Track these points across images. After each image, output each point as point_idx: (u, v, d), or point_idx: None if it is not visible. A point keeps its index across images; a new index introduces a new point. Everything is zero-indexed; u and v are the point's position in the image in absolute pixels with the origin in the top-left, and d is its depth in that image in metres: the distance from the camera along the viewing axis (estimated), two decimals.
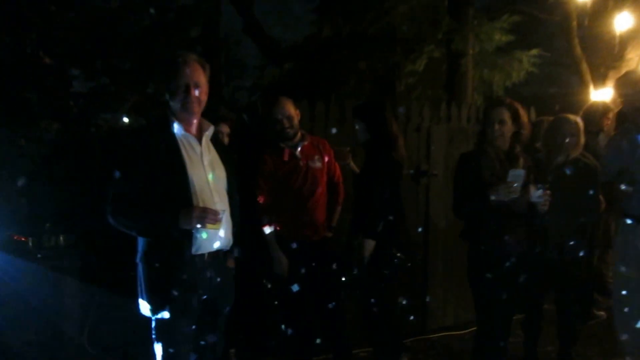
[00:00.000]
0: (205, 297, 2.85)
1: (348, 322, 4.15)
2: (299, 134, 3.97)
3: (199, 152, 2.85)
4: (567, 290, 4.17)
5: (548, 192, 3.47)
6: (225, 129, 4.12)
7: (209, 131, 2.93)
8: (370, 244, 3.81)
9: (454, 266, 5.19)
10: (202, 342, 2.91)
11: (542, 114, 5.35)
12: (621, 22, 6.98)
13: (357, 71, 9.29)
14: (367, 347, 4.45)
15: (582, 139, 4.12)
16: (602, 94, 7.33)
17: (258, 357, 4.33)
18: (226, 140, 4.13)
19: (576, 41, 8.32)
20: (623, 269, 3.85)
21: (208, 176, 2.83)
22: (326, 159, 4.07)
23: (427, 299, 5.22)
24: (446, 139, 5.26)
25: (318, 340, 4.19)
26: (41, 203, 4.68)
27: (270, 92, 10.13)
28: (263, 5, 11.25)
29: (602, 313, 5.26)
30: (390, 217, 3.88)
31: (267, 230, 3.87)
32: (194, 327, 2.84)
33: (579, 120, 4.15)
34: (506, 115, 3.55)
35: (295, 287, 3.87)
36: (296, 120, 3.94)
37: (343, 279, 4.07)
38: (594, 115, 5.22)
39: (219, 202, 2.84)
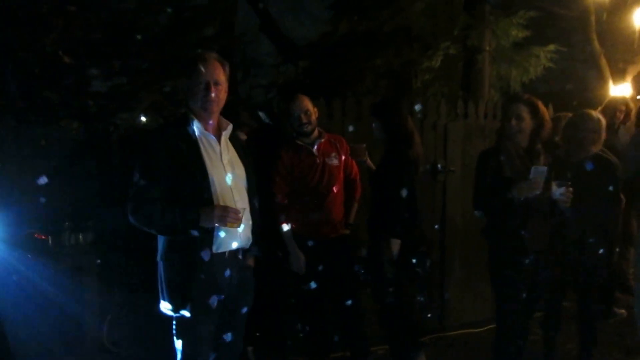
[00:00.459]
0: (225, 295, 2.86)
1: (365, 319, 4.16)
2: (317, 132, 3.98)
3: (218, 151, 2.86)
4: (588, 287, 4.13)
5: (570, 189, 3.45)
6: (242, 136, 4.13)
7: (228, 130, 2.93)
8: (396, 244, 3.81)
9: (471, 263, 5.17)
10: (221, 340, 2.93)
11: (559, 110, 5.31)
12: None
13: (373, 68, 9.27)
14: (385, 344, 4.45)
15: (603, 135, 4.08)
16: (621, 90, 7.26)
17: (276, 355, 4.34)
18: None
19: (594, 36, 8.25)
20: None
21: (228, 175, 2.84)
22: (343, 156, 4.08)
23: (445, 296, 5.20)
24: (463, 136, 5.23)
25: (336, 338, 4.21)
26: (61, 202, 4.72)
27: (287, 90, 10.14)
28: (279, 4, 11.23)
29: (622, 311, 5.22)
30: (407, 215, 3.88)
31: (285, 227, 3.88)
32: (214, 325, 2.85)
33: (600, 116, 4.10)
34: (524, 111, 3.53)
35: (312, 285, 3.88)
36: (314, 116, 3.95)
37: (361, 277, 4.07)
38: (613, 111, 5.18)
39: (239, 200, 2.85)
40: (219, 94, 2.83)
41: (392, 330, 4.07)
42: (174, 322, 2.83)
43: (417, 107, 5.02)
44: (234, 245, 2.85)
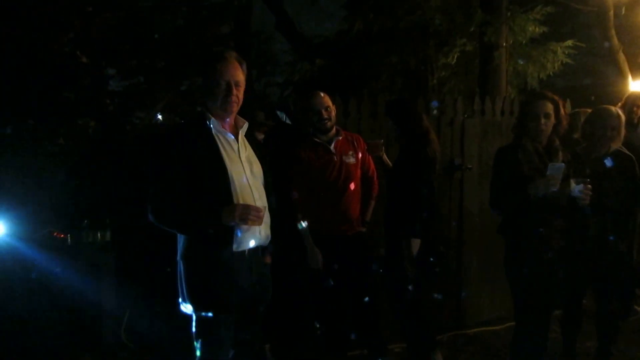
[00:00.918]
0: (244, 293, 2.85)
1: (382, 317, 4.15)
2: (334, 129, 3.98)
3: (236, 149, 2.86)
4: (607, 285, 4.09)
5: (589, 186, 3.42)
6: (259, 135, 4.14)
7: (244, 128, 2.93)
8: (416, 243, 3.79)
9: (489, 260, 5.14)
10: (240, 338, 2.92)
11: (577, 106, 5.26)
12: None
13: (389, 66, 9.24)
14: (402, 342, 4.44)
15: (623, 131, 4.04)
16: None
17: (292, 353, 4.34)
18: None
19: (613, 31, 8.16)
20: None
21: (246, 173, 2.83)
22: (360, 154, 4.07)
23: (463, 294, 5.18)
24: (480, 133, 5.20)
25: (353, 336, 4.20)
26: (80, 200, 4.76)
27: (303, 87, 10.15)
28: (294, 1, 11.23)
29: None
30: (426, 214, 3.87)
31: (302, 225, 3.88)
32: (233, 324, 2.85)
33: (619, 112, 4.06)
34: (550, 109, 3.53)
35: (329, 282, 3.88)
36: (334, 113, 3.96)
37: (379, 276, 4.06)
38: (632, 107, 5.13)
39: (258, 198, 2.84)
40: (239, 95, 2.83)
41: (409, 328, 4.06)
42: (194, 322, 2.82)
43: (434, 104, 5.00)
44: (254, 243, 2.84)
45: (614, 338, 4.19)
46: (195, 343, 2.83)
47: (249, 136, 3.00)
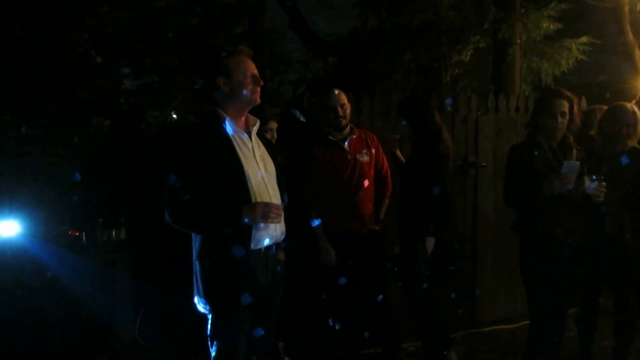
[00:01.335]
0: (260, 291, 2.84)
1: (396, 315, 4.14)
2: (348, 128, 3.98)
3: (250, 148, 2.85)
4: (624, 283, 4.05)
5: (603, 183, 3.40)
6: (273, 125, 4.15)
7: (256, 126, 2.93)
8: (431, 242, 3.78)
9: (503, 258, 5.12)
10: (253, 336, 2.92)
11: (592, 103, 5.22)
12: None
13: (402, 63, 9.21)
14: (416, 340, 4.42)
15: (639, 128, 3.99)
16: None
17: (306, 351, 4.34)
18: (274, 135, 4.15)
19: (628, 27, 8.09)
20: None
21: (261, 170, 2.83)
22: (374, 152, 4.06)
23: (477, 292, 5.16)
24: (494, 130, 5.18)
25: (366, 334, 4.20)
26: (94, 198, 4.79)
27: (316, 85, 10.14)
28: (307, 0, 11.24)
29: None
30: (441, 212, 3.85)
31: (315, 222, 3.88)
32: (248, 323, 2.84)
33: (635, 108, 4.02)
34: (567, 107, 3.51)
35: (342, 280, 3.87)
36: (349, 110, 3.96)
37: (394, 274, 4.05)
38: None
39: (274, 196, 2.84)
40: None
41: (423, 327, 4.05)
42: (210, 321, 2.82)
43: (448, 102, 4.98)
44: (270, 241, 2.83)
45: (631, 337, 4.15)
46: (210, 342, 2.82)
47: (259, 134, 3.00)
